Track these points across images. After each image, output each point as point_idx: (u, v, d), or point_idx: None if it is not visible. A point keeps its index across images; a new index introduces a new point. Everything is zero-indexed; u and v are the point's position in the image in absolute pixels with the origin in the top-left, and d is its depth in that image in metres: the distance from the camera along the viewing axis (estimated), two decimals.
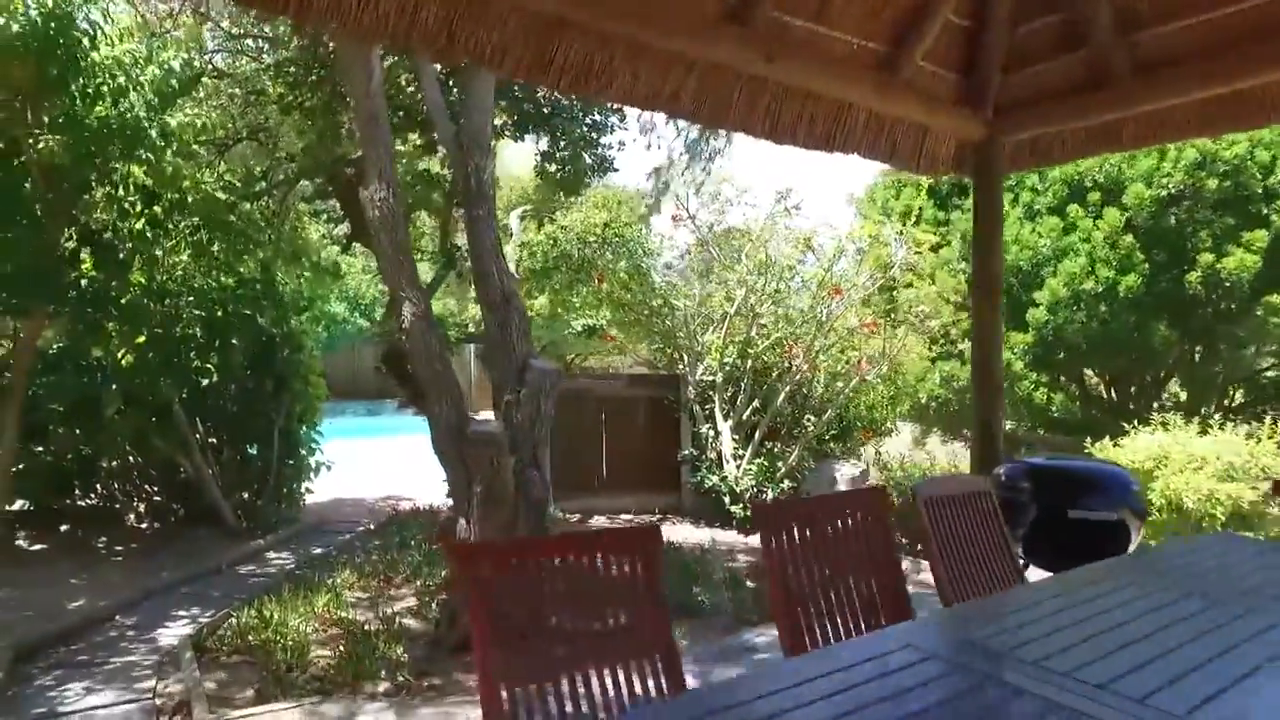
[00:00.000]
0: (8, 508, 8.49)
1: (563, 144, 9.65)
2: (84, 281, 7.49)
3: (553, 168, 10.01)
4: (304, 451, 9.91)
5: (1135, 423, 9.00)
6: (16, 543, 8.27)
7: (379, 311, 22.38)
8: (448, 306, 20.75)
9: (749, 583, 7.24)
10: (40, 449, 8.69)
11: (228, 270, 8.98)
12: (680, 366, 11.34)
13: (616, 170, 10.89)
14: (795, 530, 2.88)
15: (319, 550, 8.44)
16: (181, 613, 6.32)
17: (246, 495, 9.40)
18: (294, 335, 9.47)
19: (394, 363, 9.79)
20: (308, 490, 10.14)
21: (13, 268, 7.01)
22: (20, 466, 8.77)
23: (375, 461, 14.08)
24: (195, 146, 7.47)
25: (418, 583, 6.89)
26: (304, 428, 9.93)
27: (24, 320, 7.47)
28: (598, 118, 9.89)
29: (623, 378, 11.82)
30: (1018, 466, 4.86)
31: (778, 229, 10.51)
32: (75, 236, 7.42)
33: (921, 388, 12.56)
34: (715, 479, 10.31)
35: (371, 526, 9.46)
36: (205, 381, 9.29)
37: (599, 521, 10.06)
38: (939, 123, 4.90)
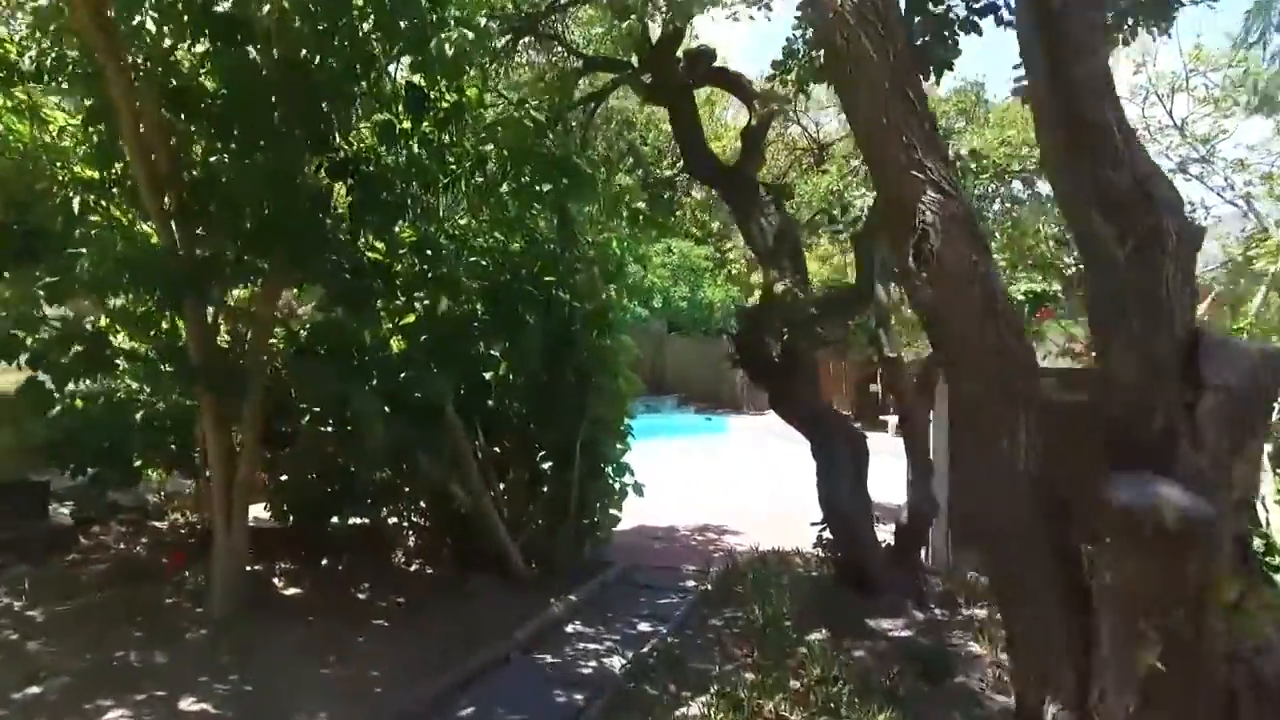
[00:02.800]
0: (265, 518, 6.78)
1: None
2: (339, 231, 5.28)
3: None
4: (609, 470, 7.26)
5: None
6: (274, 579, 6.41)
7: (660, 299, 20.03)
8: None
9: None
10: (292, 450, 6.81)
11: (517, 224, 6.52)
12: None
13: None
14: None
15: (645, 626, 5.69)
16: None
17: (537, 526, 6.94)
18: (603, 313, 6.78)
19: (753, 342, 6.71)
20: (612, 519, 7.51)
21: (251, 210, 4.95)
22: (284, 478, 7.07)
23: (666, 471, 11.24)
24: (480, 19, 4.91)
25: None
26: (610, 438, 7.26)
27: (259, 287, 5.43)
28: None
29: (1049, 374, 7.93)
30: None
31: None
32: (325, 167, 5.21)
33: None
34: None
35: (707, 585, 6.51)
36: (488, 375, 6.95)
37: None
38: None
